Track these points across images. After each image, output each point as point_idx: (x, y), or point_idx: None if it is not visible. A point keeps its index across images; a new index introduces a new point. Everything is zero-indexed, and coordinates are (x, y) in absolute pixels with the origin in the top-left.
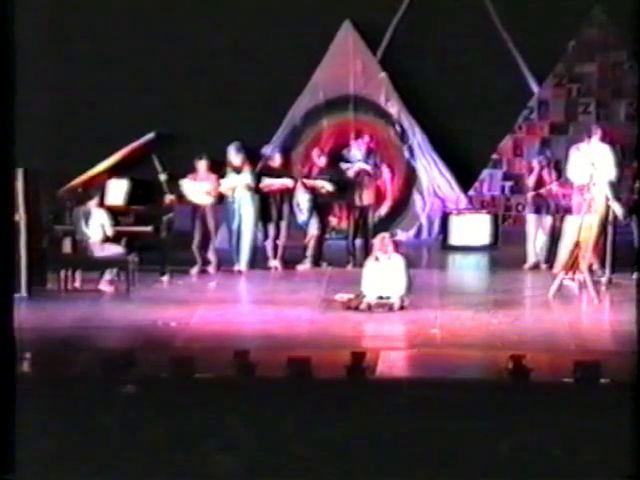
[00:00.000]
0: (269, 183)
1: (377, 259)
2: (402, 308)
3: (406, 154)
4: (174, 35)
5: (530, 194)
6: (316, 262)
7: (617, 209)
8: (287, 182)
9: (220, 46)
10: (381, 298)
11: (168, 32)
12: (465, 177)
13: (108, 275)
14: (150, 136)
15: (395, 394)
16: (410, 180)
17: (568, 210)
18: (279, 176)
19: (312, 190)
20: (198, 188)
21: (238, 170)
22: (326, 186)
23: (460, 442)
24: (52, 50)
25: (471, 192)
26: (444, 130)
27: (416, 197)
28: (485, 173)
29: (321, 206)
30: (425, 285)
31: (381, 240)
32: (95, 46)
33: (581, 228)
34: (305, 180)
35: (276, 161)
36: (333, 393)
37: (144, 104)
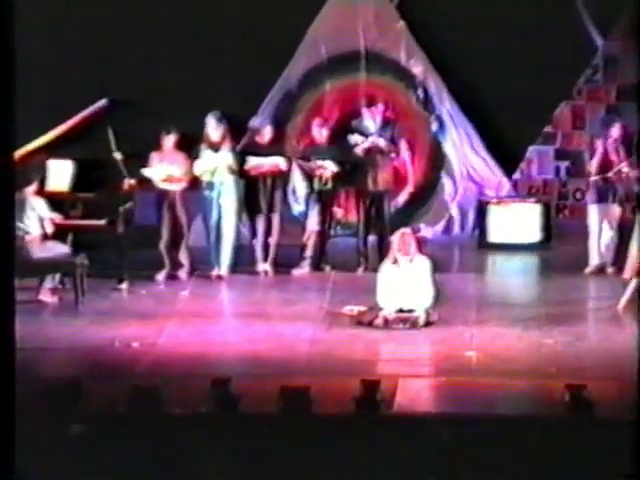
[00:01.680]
0: (257, 164)
1: (396, 262)
2: (428, 324)
3: (432, 126)
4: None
5: (593, 178)
6: (317, 265)
7: None
8: (279, 162)
9: None
10: (401, 311)
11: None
12: (508, 156)
13: (50, 282)
14: (102, 102)
15: (418, 434)
16: (437, 160)
17: None
18: (269, 155)
19: (310, 173)
20: (165, 170)
21: (217, 147)
22: (328, 168)
23: None
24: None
25: (516, 175)
26: (480, 95)
27: (445, 181)
28: (533, 151)
29: (323, 194)
30: (458, 295)
31: (401, 237)
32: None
33: None
34: (302, 161)
35: (265, 136)
36: (338, 432)
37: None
